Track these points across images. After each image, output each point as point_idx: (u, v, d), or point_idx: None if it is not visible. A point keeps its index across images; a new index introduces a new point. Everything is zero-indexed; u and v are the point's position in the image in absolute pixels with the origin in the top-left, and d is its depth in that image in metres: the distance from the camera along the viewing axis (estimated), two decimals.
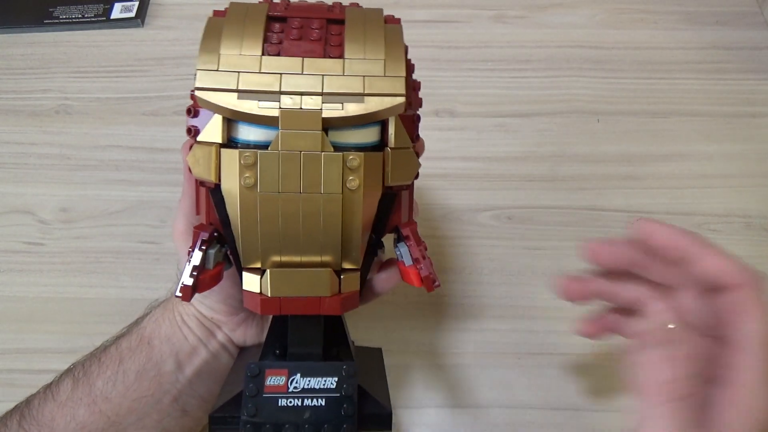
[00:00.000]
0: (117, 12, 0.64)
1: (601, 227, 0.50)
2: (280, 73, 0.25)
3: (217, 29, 0.27)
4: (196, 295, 0.34)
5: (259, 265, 0.27)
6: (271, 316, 0.37)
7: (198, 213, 0.29)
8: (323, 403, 0.28)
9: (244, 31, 0.26)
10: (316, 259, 0.27)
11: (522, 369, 0.43)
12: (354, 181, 0.26)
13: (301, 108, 0.25)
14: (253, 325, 0.36)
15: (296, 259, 0.27)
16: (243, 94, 0.25)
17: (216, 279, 0.28)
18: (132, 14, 0.64)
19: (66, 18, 0.64)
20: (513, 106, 0.57)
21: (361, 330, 0.44)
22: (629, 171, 0.53)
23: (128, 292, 0.47)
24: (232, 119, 0.26)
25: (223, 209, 0.27)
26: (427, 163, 0.32)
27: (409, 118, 0.28)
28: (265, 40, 0.26)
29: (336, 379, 0.28)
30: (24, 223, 0.50)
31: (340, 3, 0.29)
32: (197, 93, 0.25)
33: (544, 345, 0.44)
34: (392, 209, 0.29)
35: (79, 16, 0.64)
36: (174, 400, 0.35)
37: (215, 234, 0.28)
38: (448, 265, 0.48)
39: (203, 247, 0.27)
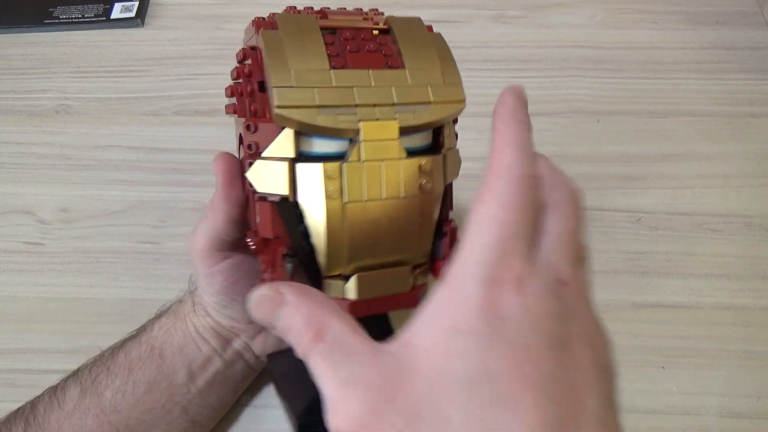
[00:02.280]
0: (117, 12, 0.64)
1: (601, 227, 0.50)
2: (353, 86, 0.26)
3: (277, 43, 0.27)
4: (216, 306, 0.34)
5: (340, 272, 0.28)
6: None
7: (256, 227, 0.28)
8: None
9: (305, 45, 0.27)
10: (396, 258, 0.28)
11: None
12: (428, 184, 0.27)
13: (378, 119, 0.26)
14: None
15: (377, 261, 0.28)
16: (323, 108, 0.26)
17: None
18: (132, 14, 0.64)
19: (66, 18, 0.64)
20: None
21: None
22: (629, 171, 0.53)
23: (128, 292, 0.47)
24: (302, 133, 0.26)
25: (294, 220, 0.27)
26: None
27: (454, 120, 0.31)
28: (328, 53, 0.27)
29: None
30: (24, 223, 0.50)
31: (361, 9, 0.31)
32: (278, 111, 0.25)
33: None
34: (446, 203, 0.31)
35: (79, 16, 0.64)
36: (183, 411, 0.34)
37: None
38: None
39: (284, 262, 0.27)
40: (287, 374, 0.33)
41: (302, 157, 0.26)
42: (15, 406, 0.35)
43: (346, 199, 0.26)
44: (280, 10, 0.31)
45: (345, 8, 0.31)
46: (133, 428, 0.33)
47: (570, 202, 0.23)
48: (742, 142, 0.55)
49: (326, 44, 0.27)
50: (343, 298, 0.28)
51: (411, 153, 0.27)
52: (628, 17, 0.64)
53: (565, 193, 0.24)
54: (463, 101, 0.29)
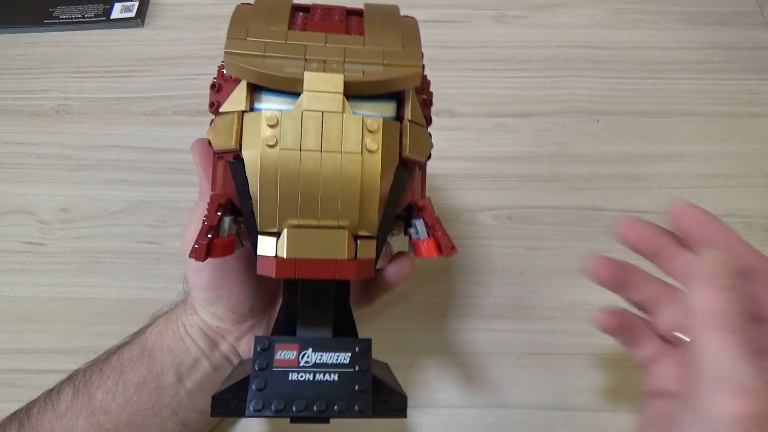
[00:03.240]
0: (117, 12, 0.64)
1: (601, 227, 0.50)
2: (305, 44, 0.27)
3: (245, 12, 0.28)
4: (203, 303, 0.34)
5: (275, 230, 0.27)
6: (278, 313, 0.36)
7: (213, 190, 0.29)
8: (336, 378, 0.27)
9: (270, 15, 0.28)
10: (333, 222, 0.27)
11: (522, 369, 0.43)
12: (373, 144, 0.26)
13: (324, 71, 0.26)
14: (259, 333, 0.36)
15: (313, 222, 0.27)
16: (269, 59, 0.26)
17: (229, 249, 0.28)
18: (132, 14, 0.64)
19: (66, 18, 0.64)
20: (513, 106, 0.57)
21: (362, 331, 0.44)
22: (629, 171, 0.53)
23: (128, 292, 0.47)
24: (255, 88, 0.27)
25: (242, 178, 0.27)
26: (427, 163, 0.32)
27: (423, 101, 0.30)
28: (291, 22, 0.28)
29: (349, 354, 0.28)
30: (24, 223, 0.50)
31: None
32: (225, 57, 0.26)
33: (544, 345, 0.44)
34: (407, 186, 0.29)
35: (79, 16, 0.64)
36: (173, 413, 0.34)
37: (231, 205, 0.28)
38: (447, 265, 0.48)
39: (219, 212, 0.27)
40: (242, 363, 0.33)
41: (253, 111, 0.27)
42: (15, 406, 0.35)
43: (281, 146, 0.26)
44: None
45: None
46: (124, 429, 0.33)
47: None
48: (742, 142, 0.55)
49: (294, 17, 0.28)
50: (274, 256, 0.27)
51: None
52: (628, 17, 0.64)
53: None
54: (419, 66, 0.28)
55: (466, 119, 0.56)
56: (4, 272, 0.48)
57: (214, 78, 0.29)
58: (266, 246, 0.27)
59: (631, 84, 0.59)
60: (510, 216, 0.51)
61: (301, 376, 0.27)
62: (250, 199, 0.27)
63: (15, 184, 0.53)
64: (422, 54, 0.29)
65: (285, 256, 0.26)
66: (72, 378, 0.35)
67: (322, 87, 0.26)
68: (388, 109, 0.28)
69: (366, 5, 0.30)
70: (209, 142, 0.30)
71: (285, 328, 0.30)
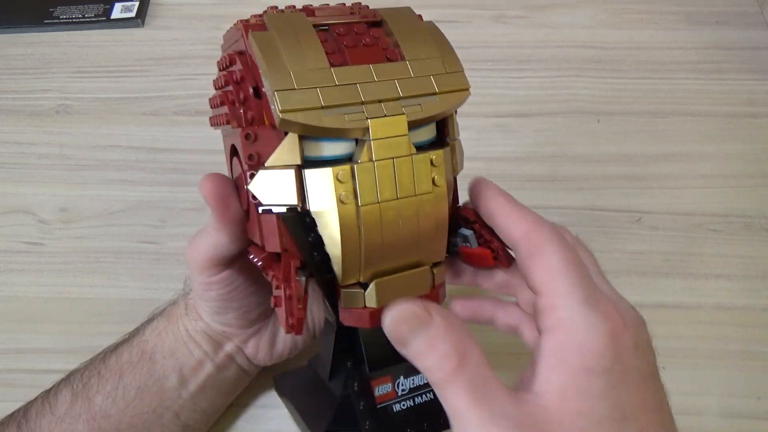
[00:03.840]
0: (117, 12, 0.64)
1: (601, 227, 0.50)
2: (356, 83, 0.25)
3: (271, 44, 0.25)
4: (210, 312, 0.34)
5: (357, 280, 0.27)
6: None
7: (261, 242, 0.27)
8: (432, 396, 0.28)
9: (300, 44, 0.26)
10: (412, 260, 0.27)
11: (522, 369, 0.43)
12: (440, 179, 0.26)
13: (385, 115, 0.25)
14: (266, 334, 0.36)
15: (395, 264, 0.27)
16: (328, 109, 0.24)
17: (305, 317, 0.29)
18: (132, 14, 0.64)
19: (66, 18, 0.64)
20: (513, 106, 0.57)
21: None
22: (629, 171, 0.53)
23: (128, 292, 0.47)
24: (306, 137, 0.25)
25: (303, 233, 0.26)
26: None
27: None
28: (325, 50, 0.26)
29: None
30: (24, 223, 0.50)
31: (344, 3, 0.30)
32: (283, 116, 0.24)
33: None
34: (455, 197, 0.30)
35: (79, 16, 0.64)
36: (175, 416, 0.34)
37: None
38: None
39: (298, 275, 0.26)
40: (300, 391, 0.33)
41: (308, 162, 0.25)
42: (15, 406, 0.35)
43: (360, 202, 0.25)
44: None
45: (328, 4, 0.30)
46: None
47: (579, 244, 0.28)
48: (742, 142, 0.55)
49: (321, 42, 0.26)
50: (364, 307, 0.27)
51: (418, 148, 0.27)
52: (629, 17, 0.64)
53: (571, 236, 0.28)
54: (467, 89, 0.28)
55: (466, 119, 0.56)
56: (4, 272, 0.48)
57: (247, 128, 0.26)
58: (352, 299, 0.27)
59: (631, 84, 0.59)
60: None
61: (403, 405, 0.28)
62: (315, 250, 0.26)
63: (15, 184, 0.53)
64: (463, 69, 0.29)
65: (376, 306, 0.26)
66: (69, 379, 0.35)
67: (388, 133, 0.25)
68: (431, 130, 0.28)
69: (382, 13, 0.29)
70: (222, 178, 0.29)
71: (345, 363, 0.31)
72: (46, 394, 0.35)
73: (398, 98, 0.26)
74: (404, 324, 0.23)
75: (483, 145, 0.55)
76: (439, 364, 0.22)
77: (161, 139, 0.55)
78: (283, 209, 0.25)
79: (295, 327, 0.25)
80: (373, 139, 0.25)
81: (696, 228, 0.49)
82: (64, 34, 0.63)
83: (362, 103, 0.25)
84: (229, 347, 0.35)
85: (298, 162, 0.25)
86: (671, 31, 0.63)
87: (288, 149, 0.25)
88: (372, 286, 0.26)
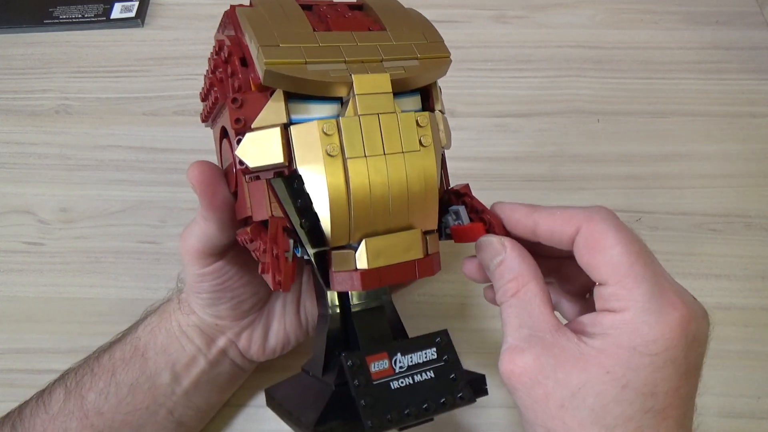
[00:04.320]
0: (117, 12, 0.64)
1: None
2: (339, 45, 0.26)
3: (257, 14, 0.26)
4: (202, 304, 0.34)
5: (348, 242, 0.26)
6: (275, 319, 0.36)
7: (248, 214, 0.27)
8: (433, 375, 0.27)
9: (286, 14, 0.26)
10: (403, 224, 0.27)
11: None
12: (427, 138, 0.26)
13: (368, 72, 0.25)
14: (259, 327, 0.36)
15: (385, 226, 0.26)
16: (311, 65, 0.25)
17: (294, 276, 0.26)
18: (132, 14, 0.64)
19: (66, 18, 0.64)
20: (513, 106, 0.57)
21: None
22: (629, 171, 0.53)
23: (128, 292, 0.47)
24: (290, 98, 0.25)
25: (292, 194, 0.25)
26: None
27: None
28: (308, 19, 0.27)
29: (434, 349, 0.27)
30: (24, 223, 0.50)
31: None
32: (267, 68, 0.24)
33: None
34: (444, 172, 0.29)
35: (79, 16, 0.64)
36: (169, 413, 0.34)
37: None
38: (448, 265, 0.48)
39: (286, 234, 0.25)
40: (291, 394, 0.32)
41: (294, 123, 0.25)
42: (14, 406, 0.35)
43: (347, 155, 0.25)
44: None
45: None
46: (118, 430, 0.33)
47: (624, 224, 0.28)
48: (742, 142, 0.55)
49: (306, 15, 0.27)
50: (354, 269, 0.26)
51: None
52: (629, 17, 0.64)
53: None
54: (448, 56, 0.28)
55: (466, 119, 0.56)
56: (4, 272, 0.48)
57: (234, 94, 0.26)
58: (342, 260, 0.26)
59: (631, 84, 0.59)
60: None
61: (402, 382, 0.27)
62: (307, 215, 0.25)
63: (15, 184, 0.53)
64: (443, 40, 0.29)
65: (367, 267, 0.26)
66: (63, 378, 0.35)
67: (372, 88, 0.25)
68: (416, 102, 0.28)
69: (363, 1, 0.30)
70: (209, 165, 0.28)
71: (342, 334, 0.30)
72: (41, 393, 0.35)
73: (380, 60, 0.26)
74: (482, 250, 0.27)
75: (483, 145, 0.55)
76: (504, 289, 0.26)
77: (161, 139, 0.55)
78: (271, 174, 0.25)
79: (282, 283, 0.24)
80: (357, 94, 0.25)
81: (696, 228, 0.49)
82: (64, 34, 0.63)
83: (345, 61, 0.26)
84: (221, 342, 0.35)
85: (284, 120, 0.25)
86: (671, 31, 0.63)
87: (274, 109, 0.25)
88: (363, 244, 0.26)
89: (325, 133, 0.24)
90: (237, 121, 0.25)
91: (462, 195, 0.29)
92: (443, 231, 0.30)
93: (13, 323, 0.45)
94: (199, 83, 0.29)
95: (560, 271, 0.31)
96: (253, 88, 0.26)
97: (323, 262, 0.27)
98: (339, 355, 0.27)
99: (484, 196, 0.51)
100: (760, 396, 0.42)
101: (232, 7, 0.28)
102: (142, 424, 0.34)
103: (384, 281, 0.26)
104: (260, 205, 0.26)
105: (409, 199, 0.26)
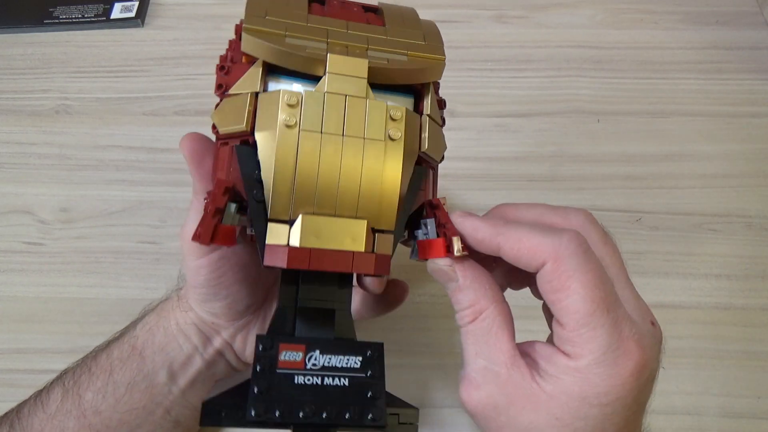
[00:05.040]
0: (117, 12, 0.64)
1: None
2: (327, 28, 0.26)
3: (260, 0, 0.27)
4: (199, 299, 0.34)
5: (288, 218, 0.25)
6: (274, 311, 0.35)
7: (216, 176, 0.27)
8: (346, 383, 0.24)
9: (288, 2, 0.27)
10: (350, 213, 0.25)
11: None
12: (396, 132, 0.25)
13: (347, 54, 0.25)
14: (254, 330, 0.36)
15: (330, 211, 0.25)
16: (291, 38, 0.25)
17: (231, 237, 0.25)
18: (132, 14, 0.64)
19: (66, 18, 0.64)
20: (513, 106, 0.57)
21: (360, 330, 0.44)
22: (629, 171, 0.53)
23: (128, 292, 0.47)
24: (270, 71, 0.25)
25: (251, 163, 0.25)
26: None
27: (438, 101, 0.29)
28: (310, 8, 0.27)
29: (360, 359, 0.25)
30: (24, 223, 0.50)
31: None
32: (244, 32, 0.25)
33: None
34: (422, 185, 0.27)
35: (79, 16, 0.64)
36: (166, 412, 0.34)
37: (235, 192, 0.26)
38: None
39: (225, 196, 0.25)
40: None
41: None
42: (13, 406, 0.35)
43: (302, 126, 0.24)
44: None
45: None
46: (116, 430, 0.33)
47: (600, 236, 0.27)
48: (742, 142, 0.55)
49: (311, 6, 0.27)
50: (286, 245, 0.24)
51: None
52: (628, 17, 0.64)
53: (597, 233, 0.27)
54: (442, 59, 0.27)
55: (466, 119, 0.56)
56: (4, 272, 0.48)
57: (220, 63, 0.28)
58: (276, 234, 0.25)
59: (631, 84, 0.59)
60: None
61: (308, 380, 0.24)
62: (260, 186, 0.25)
63: (15, 184, 0.53)
64: (444, 47, 0.28)
65: (298, 245, 0.24)
66: (61, 377, 0.35)
67: (346, 71, 0.25)
68: (406, 103, 0.27)
69: (382, 4, 0.29)
70: (202, 136, 0.29)
71: (282, 327, 0.27)
72: (39, 393, 0.35)
73: (365, 47, 0.26)
74: (436, 275, 0.26)
75: (483, 145, 0.55)
76: (461, 315, 0.26)
77: (161, 139, 0.55)
78: (237, 141, 0.26)
79: (201, 236, 0.24)
80: (329, 73, 0.25)
81: (696, 228, 0.49)
82: (64, 34, 0.63)
83: (327, 42, 0.26)
84: (217, 342, 0.35)
85: (257, 89, 0.25)
86: (671, 31, 0.63)
87: (251, 78, 0.25)
88: (298, 220, 0.25)
89: (287, 104, 0.24)
90: (219, 86, 0.26)
91: (435, 207, 0.27)
92: (414, 249, 0.28)
93: (13, 323, 0.45)
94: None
95: None
96: (244, 60, 0.26)
97: (264, 233, 0.25)
98: (257, 337, 0.25)
99: (484, 196, 0.52)
100: (760, 396, 0.42)
101: None
102: (140, 423, 0.34)
103: (313, 264, 0.24)
104: (222, 166, 0.26)
105: (361, 188, 0.25)
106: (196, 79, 0.59)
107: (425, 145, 0.27)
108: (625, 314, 0.24)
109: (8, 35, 0.63)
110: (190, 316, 0.35)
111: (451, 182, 0.52)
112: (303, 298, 0.27)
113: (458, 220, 0.26)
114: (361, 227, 0.25)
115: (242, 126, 0.25)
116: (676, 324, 0.44)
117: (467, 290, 0.25)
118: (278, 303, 0.28)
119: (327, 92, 0.25)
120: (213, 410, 0.24)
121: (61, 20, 0.64)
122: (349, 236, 0.25)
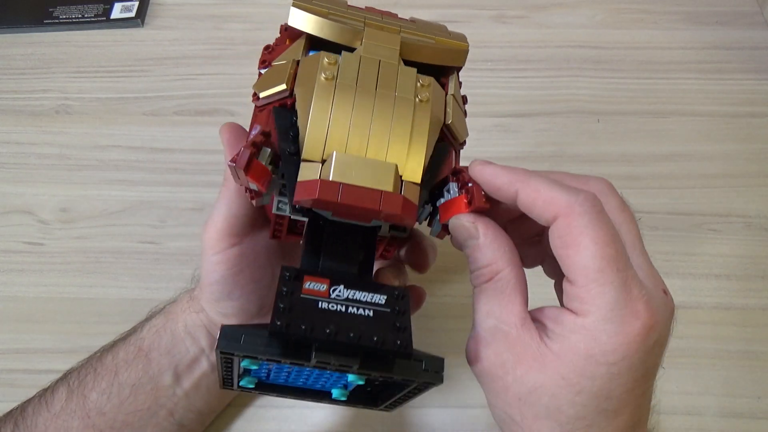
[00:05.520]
0: (117, 12, 0.64)
1: None
2: (364, 15, 0.29)
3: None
4: (211, 298, 0.34)
5: (320, 159, 0.25)
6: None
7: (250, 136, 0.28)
8: (371, 314, 0.24)
9: (330, 3, 0.30)
10: (381, 157, 0.26)
11: None
12: (425, 94, 0.27)
13: (383, 28, 0.28)
14: None
15: (361, 153, 0.26)
16: (333, 18, 0.28)
17: (266, 176, 0.25)
18: (132, 14, 0.64)
19: (66, 18, 0.64)
20: (513, 106, 0.57)
21: None
22: (629, 171, 0.53)
23: (128, 292, 0.47)
24: (313, 47, 0.28)
25: (288, 122, 0.26)
26: None
27: (462, 96, 0.31)
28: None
29: (385, 297, 0.24)
30: (24, 223, 0.50)
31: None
32: (293, 6, 0.27)
33: None
34: (444, 161, 0.28)
35: (79, 16, 0.64)
36: (170, 414, 0.34)
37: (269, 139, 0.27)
38: (448, 264, 0.48)
39: (262, 137, 0.26)
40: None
41: None
42: (15, 406, 0.35)
43: (339, 79, 0.26)
44: (278, 10, 0.31)
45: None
46: (120, 430, 0.33)
47: (618, 203, 0.26)
48: (742, 142, 0.55)
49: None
50: (317, 178, 0.24)
51: None
52: (628, 17, 0.64)
53: (616, 200, 0.26)
54: (466, 46, 0.30)
55: (466, 119, 0.56)
56: (4, 272, 0.48)
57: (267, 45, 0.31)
58: (309, 171, 0.25)
59: (631, 84, 0.59)
60: None
61: (332, 306, 0.23)
62: (295, 142, 0.25)
63: (15, 184, 0.53)
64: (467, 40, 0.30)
65: (331, 178, 0.24)
66: (66, 377, 0.35)
67: (381, 41, 0.28)
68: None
69: (416, 19, 0.32)
70: (239, 126, 0.31)
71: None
72: (44, 392, 0.35)
73: (398, 30, 0.29)
74: (456, 231, 0.26)
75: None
76: (476, 273, 0.26)
77: (161, 139, 0.55)
78: (276, 101, 0.27)
79: (238, 161, 0.24)
80: (365, 41, 0.27)
81: (696, 228, 0.50)
82: (64, 34, 0.63)
83: (364, 22, 0.28)
84: None
85: (299, 58, 0.27)
86: (671, 31, 0.63)
87: (293, 49, 0.28)
88: (333, 156, 0.25)
89: (327, 62, 0.26)
90: (263, 62, 0.29)
91: (458, 172, 0.28)
92: (436, 217, 0.28)
93: (13, 323, 0.45)
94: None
95: None
96: (287, 43, 0.29)
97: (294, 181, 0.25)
98: (282, 268, 0.24)
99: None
100: (760, 396, 0.42)
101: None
102: (144, 425, 0.34)
103: (343, 198, 0.24)
104: (258, 124, 0.28)
105: (391, 137, 0.26)
106: (196, 79, 0.59)
107: (449, 119, 0.28)
108: (635, 276, 0.24)
109: (8, 35, 0.63)
110: (201, 317, 0.35)
111: None
112: (328, 242, 0.27)
113: (478, 167, 0.26)
114: (390, 169, 0.25)
115: (283, 85, 0.26)
116: (677, 324, 0.44)
117: (486, 249, 0.25)
118: (303, 252, 0.28)
119: (363, 55, 0.27)
120: (232, 332, 0.23)
121: (61, 20, 0.64)
122: (379, 175, 0.25)
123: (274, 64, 0.28)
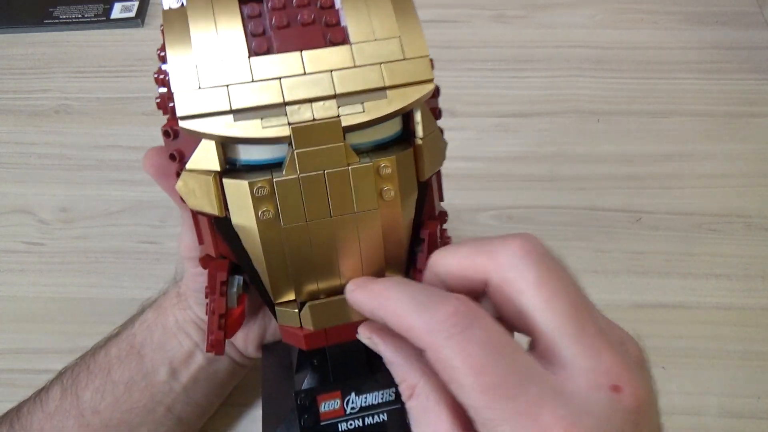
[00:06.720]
0: (117, 12, 0.64)
1: (601, 227, 0.49)
2: (279, 78, 0.21)
3: (180, 25, 0.21)
4: (199, 301, 0.33)
5: (292, 298, 0.24)
6: (272, 318, 0.35)
7: (201, 243, 0.26)
8: (385, 418, 0.26)
9: (217, 22, 0.21)
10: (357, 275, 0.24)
11: None
12: (390, 191, 0.22)
13: (314, 120, 0.21)
14: (255, 327, 0.36)
15: (335, 283, 0.24)
16: (240, 114, 0.20)
17: (243, 316, 0.26)
18: (132, 14, 0.64)
19: (66, 18, 0.64)
20: (513, 106, 0.57)
21: None
22: (629, 171, 0.53)
23: (128, 292, 0.47)
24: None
25: (237, 242, 0.23)
26: None
27: (434, 109, 0.25)
28: (247, 33, 0.21)
29: (393, 390, 0.26)
30: (24, 223, 0.50)
31: None
32: (182, 124, 0.21)
33: None
34: (425, 201, 0.25)
35: (79, 16, 0.64)
36: (168, 410, 0.34)
37: (230, 266, 0.25)
38: None
39: (223, 290, 0.24)
40: (268, 379, 0.32)
41: (231, 168, 0.22)
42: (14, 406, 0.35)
43: (283, 223, 0.21)
44: None
45: None
46: (115, 429, 0.33)
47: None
48: (742, 142, 0.55)
49: (249, 18, 0.22)
50: (300, 328, 0.24)
51: (376, 148, 0.22)
52: (628, 17, 0.64)
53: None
54: (430, 81, 0.22)
55: (466, 119, 0.56)
56: (4, 272, 0.48)
57: (168, 123, 0.24)
58: (287, 317, 0.24)
59: (631, 84, 0.59)
60: (510, 216, 0.50)
61: (351, 425, 0.25)
62: (252, 268, 0.24)
63: (15, 184, 0.53)
64: (428, 54, 0.23)
65: (312, 329, 0.24)
66: (60, 376, 0.35)
67: (318, 141, 0.21)
68: (393, 125, 0.23)
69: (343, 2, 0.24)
70: (164, 149, 0.27)
71: (311, 360, 0.28)
72: (39, 391, 0.35)
73: (333, 96, 0.21)
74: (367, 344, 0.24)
75: (483, 145, 0.55)
76: (400, 391, 0.23)
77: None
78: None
79: (215, 346, 0.24)
80: (297, 150, 0.21)
81: (696, 228, 0.49)
82: (64, 34, 0.63)
83: (284, 104, 0.21)
84: None
85: (217, 168, 0.21)
86: (671, 31, 0.63)
87: (205, 154, 0.21)
88: (306, 309, 0.24)
89: (258, 198, 0.21)
90: (172, 156, 0.23)
91: (422, 240, 0.25)
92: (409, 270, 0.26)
93: (13, 323, 0.45)
94: None
95: None
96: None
97: (270, 304, 0.25)
98: (312, 362, 0.27)
99: (484, 196, 0.52)
100: (760, 396, 0.42)
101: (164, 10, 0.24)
102: (140, 422, 0.33)
103: (330, 340, 0.25)
104: (207, 241, 0.25)
105: (363, 258, 0.23)
106: None
107: (424, 175, 0.24)
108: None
109: (8, 35, 0.63)
110: (189, 314, 0.35)
111: (451, 182, 0.52)
112: (332, 357, 0.28)
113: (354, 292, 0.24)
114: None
115: (215, 212, 0.22)
116: (676, 324, 0.44)
117: (392, 365, 0.23)
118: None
119: (301, 175, 0.21)
120: None
121: (61, 20, 0.64)
122: (356, 311, 0.23)
123: (189, 168, 0.22)
